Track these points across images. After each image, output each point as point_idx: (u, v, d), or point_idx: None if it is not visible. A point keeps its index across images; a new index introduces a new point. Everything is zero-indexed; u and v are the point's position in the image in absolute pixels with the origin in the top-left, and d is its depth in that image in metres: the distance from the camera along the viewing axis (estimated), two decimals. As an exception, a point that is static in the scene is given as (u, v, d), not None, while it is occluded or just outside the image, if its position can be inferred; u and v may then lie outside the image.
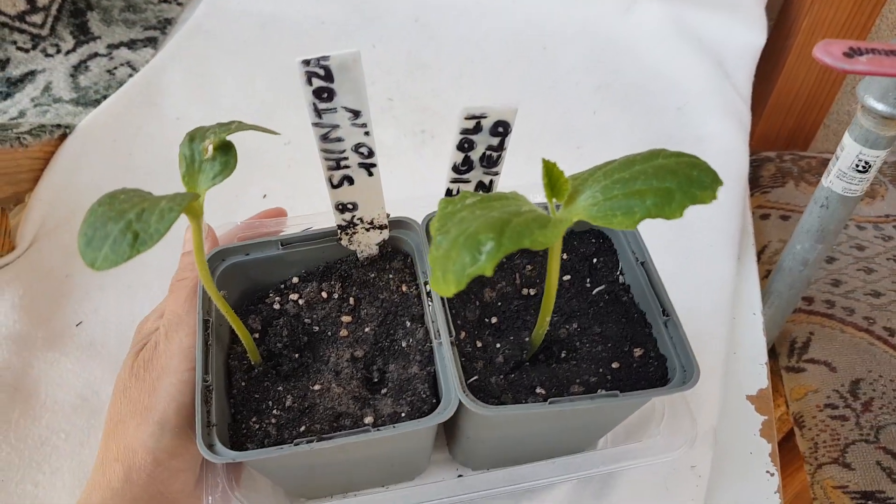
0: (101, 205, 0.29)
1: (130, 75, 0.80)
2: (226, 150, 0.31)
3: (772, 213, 0.84)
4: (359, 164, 0.40)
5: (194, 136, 0.31)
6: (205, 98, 0.77)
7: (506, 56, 0.81)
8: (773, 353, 0.72)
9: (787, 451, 0.66)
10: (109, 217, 0.28)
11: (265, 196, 0.69)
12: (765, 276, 0.74)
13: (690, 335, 0.40)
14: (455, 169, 0.41)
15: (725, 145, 0.72)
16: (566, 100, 0.75)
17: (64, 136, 0.72)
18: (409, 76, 0.79)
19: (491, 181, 0.42)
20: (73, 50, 0.83)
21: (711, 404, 0.52)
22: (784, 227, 0.83)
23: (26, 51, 0.83)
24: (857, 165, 0.51)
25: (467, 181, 0.42)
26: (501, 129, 0.39)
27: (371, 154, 0.40)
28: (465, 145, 0.39)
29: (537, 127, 0.73)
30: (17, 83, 0.80)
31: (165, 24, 0.88)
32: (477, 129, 0.38)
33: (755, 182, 0.85)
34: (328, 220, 0.45)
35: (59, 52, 0.84)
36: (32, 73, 0.81)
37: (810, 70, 0.87)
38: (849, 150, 0.51)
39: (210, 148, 0.30)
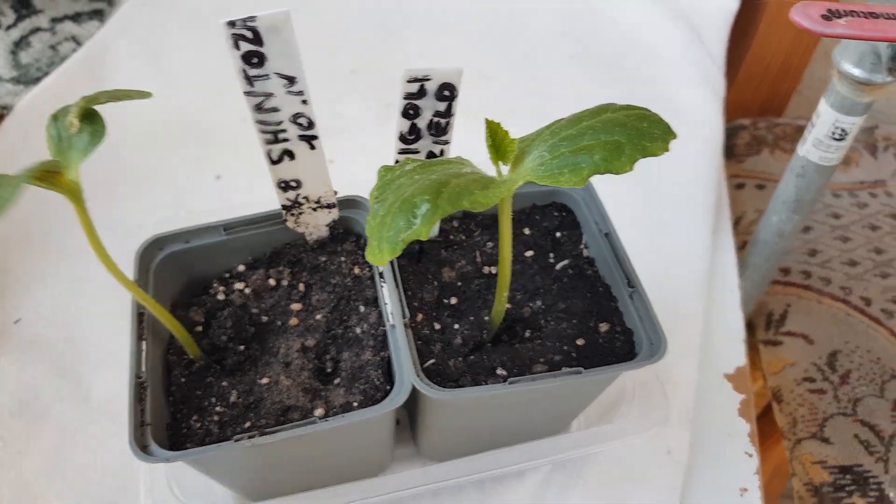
0: None
1: (75, 50, 0.75)
2: (92, 120, 0.30)
3: (747, 183, 0.82)
4: (299, 136, 0.37)
5: (57, 115, 0.30)
6: (155, 73, 0.73)
7: (477, 25, 0.78)
8: (750, 326, 0.70)
9: (764, 426, 0.65)
10: None
11: (219, 177, 0.65)
12: (741, 247, 0.72)
13: (665, 312, 0.38)
14: (402, 139, 0.38)
15: (700, 114, 0.69)
16: (541, 70, 0.72)
17: (0, 118, 0.68)
18: (373, 46, 0.75)
19: (441, 151, 0.39)
20: (14, 25, 0.78)
21: (687, 385, 0.50)
22: (760, 196, 0.81)
23: (-39, 28, 0.77)
24: (834, 133, 0.49)
25: (416, 151, 0.39)
26: (448, 93, 0.36)
27: (311, 125, 0.37)
28: (410, 112, 0.36)
29: (511, 99, 0.70)
30: (-50, 63, 0.75)
31: (112, -3, 0.83)
32: (421, 93, 0.36)
33: (729, 151, 0.83)
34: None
35: (-3, 27, 0.78)
36: (-32, 52, 0.76)
37: (784, 35, 0.84)
38: (825, 118, 0.48)
39: (75, 121, 0.29)
